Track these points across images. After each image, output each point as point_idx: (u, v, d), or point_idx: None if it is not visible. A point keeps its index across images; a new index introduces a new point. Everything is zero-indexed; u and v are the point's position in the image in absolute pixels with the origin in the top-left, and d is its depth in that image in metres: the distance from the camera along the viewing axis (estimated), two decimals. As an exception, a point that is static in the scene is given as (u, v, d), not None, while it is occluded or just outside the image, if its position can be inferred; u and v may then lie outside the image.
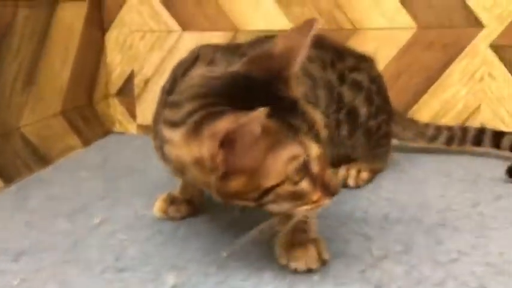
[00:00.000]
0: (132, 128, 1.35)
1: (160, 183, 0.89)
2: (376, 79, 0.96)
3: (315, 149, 0.55)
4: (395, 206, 0.80)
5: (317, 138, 0.56)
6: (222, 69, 0.61)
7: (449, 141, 1.07)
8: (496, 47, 1.14)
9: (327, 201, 0.57)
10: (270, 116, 0.50)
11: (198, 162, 0.54)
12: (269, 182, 0.54)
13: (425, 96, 1.19)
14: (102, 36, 1.29)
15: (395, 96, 1.20)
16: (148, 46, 1.29)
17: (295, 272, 0.61)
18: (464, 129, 1.07)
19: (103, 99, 1.30)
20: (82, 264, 0.63)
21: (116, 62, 1.32)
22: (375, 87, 0.94)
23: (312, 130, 0.56)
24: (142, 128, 1.34)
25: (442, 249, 0.66)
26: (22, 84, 0.98)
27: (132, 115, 1.34)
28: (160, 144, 0.62)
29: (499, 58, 1.14)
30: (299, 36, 0.59)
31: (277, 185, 0.54)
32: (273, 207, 0.57)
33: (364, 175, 0.92)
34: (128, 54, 1.31)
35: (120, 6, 1.28)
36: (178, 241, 0.69)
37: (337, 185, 0.58)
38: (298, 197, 0.56)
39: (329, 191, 0.57)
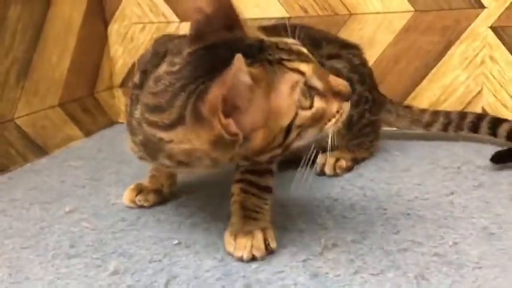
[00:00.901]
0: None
1: (143, 173, 0.91)
2: (358, 67, 0.94)
3: (306, 68, 0.55)
4: (367, 196, 0.79)
5: (302, 57, 0.56)
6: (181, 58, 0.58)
7: (446, 127, 1.03)
8: (497, 29, 1.09)
9: (346, 105, 0.59)
10: (249, 64, 0.50)
11: (216, 142, 0.52)
12: (285, 121, 0.55)
13: (425, 82, 1.16)
14: (105, 29, 1.33)
15: (394, 83, 1.17)
16: (148, 37, 1.32)
17: (241, 260, 0.61)
18: (461, 115, 1.03)
19: (107, 90, 1.34)
20: (39, 250, 0.66)
21: (119, 54, 1.35)
22: (356, 76, 0.92)
23: (292, 53, 0.56)
24: (146, 118, 1.37)
25: (395, 239, 0.64)
26: (16, 78, 1.02)
27: (135, 106, 1.37)
28: (142, 140, 0.62)
29: (500, 40, 1.09)
30: None
31: (294, 119, 0.55)
32: (302, 141, 0.58)
33: (343, 163, 0.90)
34: (130, 46, 1.33)
35: (121, 0, 1.30)
36: (136, 229, 0.70)
37: (345, 85, 0.59)
38: (319, 119, 0.57)
39: (343, 95, 0.58)
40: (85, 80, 1.26)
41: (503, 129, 0.97)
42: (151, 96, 0.57)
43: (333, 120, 0.58)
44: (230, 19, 0.57)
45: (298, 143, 0.57)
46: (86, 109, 1.26)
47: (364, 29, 1.16)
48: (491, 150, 0.94)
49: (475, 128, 1.01)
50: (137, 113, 0.61)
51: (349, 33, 1.15)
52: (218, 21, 0.56)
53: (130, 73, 1.35)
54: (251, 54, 0.53)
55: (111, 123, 1.36)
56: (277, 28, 0.75)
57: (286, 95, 0.54)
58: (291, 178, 0.73)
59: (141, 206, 0.78)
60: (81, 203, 0.81)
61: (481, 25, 1.09)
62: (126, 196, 0.79)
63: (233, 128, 0.51)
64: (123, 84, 1.37)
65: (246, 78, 0.50)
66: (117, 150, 1.11)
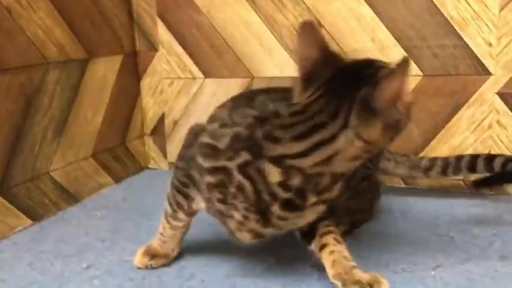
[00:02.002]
0: (164, 165, 1.49)
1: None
2: None
3: None
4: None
5: None
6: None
7: (445, 170, 1.08)
8: (503, 95, 1.12)
9: None
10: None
11: (385, 129, 0.65)
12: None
13: (434, 142, 1.19)
14: (138, 83, 1.44)
15: (404, 144, 1.21)
16: (176, 91, 1.42)
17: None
18: (458, 158, 1.08)
19: (138, 139, 1.45)
20: (54, 307, 0.75)
21: (150, 105, 1.46)
22: None
23: None
24: (172, 165, 1.47)
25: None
26: (52, 134, 1.14)
27: (164, 153, 1.48)
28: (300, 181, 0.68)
29: (507, 105, 1.12)
30: (313, 38, 0.70)
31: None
32: None
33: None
34: (159, 98, 1.45)
35: (152, 57, 1.42)
36: (140, 290, 0.79)
37: None
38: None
39: None
40: (117, 130, 1.38)
41: (497, 163, 1.01)
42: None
43: None
44: (333, 61, 0.69)
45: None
46: (117, 157, 1.37)
47: (376, 90, 1.21)
48: (492, 217, 0.98)
49: (472, 166, 1.05)
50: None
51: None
52: (324, 64, 0.68)
53: (159, 122, 1.46)
54: (373, 71, 0.67)
55: (141, 169, 1.47)
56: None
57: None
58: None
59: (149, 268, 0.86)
60: (98, 258, 0.90)
61: (488, 91, 1.13)
62: (138, 260, 0.86)
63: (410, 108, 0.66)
64: (153, 133, 1.48)
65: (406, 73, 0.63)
66: (141, 199, 1.21)
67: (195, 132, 0.79)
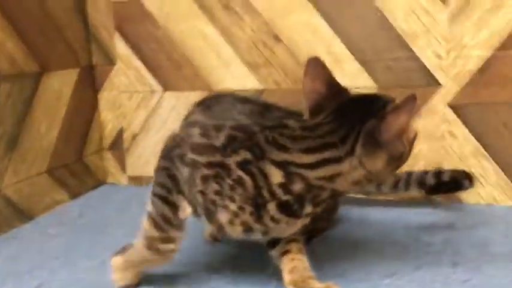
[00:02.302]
0: (123, 180, 1.46)
1: (116, 242, 0.99)
2: None
3: None
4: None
5: None
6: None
7: (396, 183, 1.09)
8: (454, 106, 1.16)
9: None
10: None
11: (389, 161, 0.69)
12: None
13: (389, 153, 1.22)
14: (95, 97, 1.42)
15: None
16: (135, 105, 1.41)
17: None
18: (409, 173, 1.09)
19: (96, 153, 1.43)
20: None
21: (108, 119, 1.44)
22: None
23: None
24: (132, 179, 1.45)
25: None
26: (4, 150, 1.11)
27: (123, 167, 1.46)
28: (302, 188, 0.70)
29: (458, 116, 1.16)
30: (320, 74, 0.75)
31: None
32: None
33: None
34: (118, 112, 1.43)
35: (109, 71, 1.40)
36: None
37: None
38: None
39: None
40: (74, 145, 1.35)
41: (446, 176, 1.06)
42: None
43: None
44: (340, 94, 0.73)
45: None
46: (73, 172, 1.34)
47: (333, 102, 1.23)
48: (444, 224, 1.00)
49: (422, 180, 1.08)
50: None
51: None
52: (331, 97, 0.73)
53: (118, 137, 1.44)
54: (380, 105, 0.71)
55: (99, 184, 1.44)
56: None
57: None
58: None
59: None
60: (51, 277, 0.88)
61: (439, 102, 1.16)
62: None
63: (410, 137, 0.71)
64: (111, 147, 1.46)
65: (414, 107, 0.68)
66: (98, 215, 1.19)
67: (180, 137, 0.78)
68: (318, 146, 0.70)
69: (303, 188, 0.70)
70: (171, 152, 0.79)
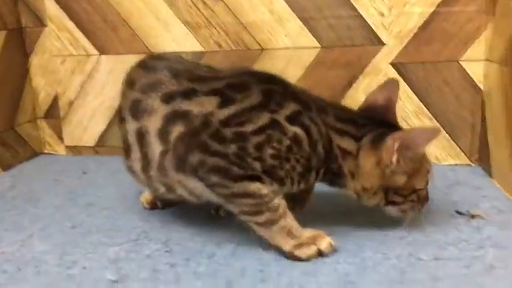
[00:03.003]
0: (61, 150, 1.39)
1: (48, 214, 0.94)
2: None
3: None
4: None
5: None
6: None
7: None
8: (396, 65, 1.14)
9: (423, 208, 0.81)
10: None
11: (375, 166, 0.75)
12: (419, 185, 0.78)
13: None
14: (26, 62, 1.33)
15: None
16: (69, 70, 1.33)
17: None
18: None
19: (29, 122, 1.34)
20: None
21: (41, 86, 1.36)
22: None
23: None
24: (70, 149, 1.38)
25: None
26: None
27: (60, 137, 1.38)
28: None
29: (400, 75, 1.14)
30: (389, 90, 0.84)
31: (421, 189, 0.78)
32: (401, 207, 0.79)
33: None
34: (51, 78, 1.34)
35: (39, 33, 1.31)
36: (14, 283, 0.72)
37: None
38: (421, 201, 0.79)
39: (427, 200, 0.82)
40: (4, 114, 1.27)
41: None
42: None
43: (417, 211, 0.82)
44: (390, 111, 0.82)
45: (400, 207, 0.79)
46: (4, 143, 1.26)
47: (276, 63, 1.20)
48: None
49: None
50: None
51: (263, 67, 1.18)
52: (383, 109, 0.82)
53: (53, 104, 1.36)
54: None
55: (35, 154, 1.37)
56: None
57: (426, 172, 0.78)
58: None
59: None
60: (-27, 250, 0.82)
61: (382, 61, 1.14)
62: None
63: (394, 158, 0.74)
64: (47, 115, 1.38)
65: (421, 146, 0.75)
66: (31, 187, 1.12)
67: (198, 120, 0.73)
68: (348, 118, 0.78)
69: (326, 149, 0.76)
70: (196, 137, 0.72)
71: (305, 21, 1.17)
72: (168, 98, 0.76)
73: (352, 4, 1.13)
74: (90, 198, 1.04)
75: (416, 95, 1.14)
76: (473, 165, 1.14)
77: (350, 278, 0.69)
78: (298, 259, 0.74)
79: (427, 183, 0.80)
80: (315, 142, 0.74)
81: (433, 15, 1.10)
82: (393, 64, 1.14)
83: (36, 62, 1.34)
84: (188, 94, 0.75)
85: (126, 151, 0.81)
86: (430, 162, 0.81)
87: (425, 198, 0.81)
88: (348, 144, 0.76)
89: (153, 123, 0.75)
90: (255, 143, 0.70)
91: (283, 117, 0.71)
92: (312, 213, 0.91)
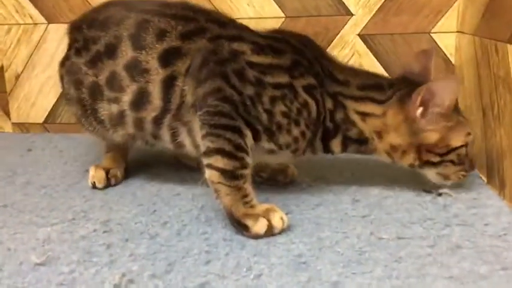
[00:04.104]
0: (7, 127, 1.29)
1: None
2: None
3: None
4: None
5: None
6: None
7: None
8: (364, 36, 1.08)
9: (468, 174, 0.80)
10: None
11: (402, 122, 0.75)
12: (456, 143, 0.76)
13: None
14: (-32, 31, 1.23)
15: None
16: (15, 40, 1.23)
17: None
18: None
19: (-28, 97, 1.24)
20: None
21: (-15, 57, 1.25)
22: None
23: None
24: (18, 125, 1.28)
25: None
26: None
27: (6, 113, 1.28)
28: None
29: (368, 48, 1.08)
30: (425, 59, 0.81)
31: (461, 146, 0.76)
32: (441, 171, 0.78)
33: None
34: (-5, 48, 1.24)
35: (-18, -1, 1.21)
36: None
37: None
38: (461, 163, 0.77)
39: (473, 167, 0.80)
40: None
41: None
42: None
43: (460, 174, 0.80)
44: (426, 80, 0.78)
45: (438, 170, 0.78)
46: None
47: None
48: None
49: None
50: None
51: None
52: (419, 78, 0.79)
53: (-1, 78, 1.26)
54: None
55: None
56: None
57: (465, 132, 0.77)
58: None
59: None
60: None
61: (350, 33, 1.08)
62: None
63: (417, 113, 0.74)
64: (-7, 89, 1.27)
65: (446, 98, 0.74)
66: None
67: (226, 50, 0.74)
68: (371, 85, 0.78)
69: (342, 118, 0.77)
70: (222, 66, 0.72)
71: (267, -11, 1.09)
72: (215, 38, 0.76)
73: (317, -30, 1.05)
74: (30, 177, 0.95)
75: (384, 69, 1.08)
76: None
77: (303, 259, 0.63)
78: (247, 231, 0.68)
79: (466, 144, 0.77)
80: (321, 113, 0.76)
81: (402, -17, 1.03)
82: (361, 35, 1.08)
83: (-21, 31, 1.23)
84: (235, 38, 0.76)
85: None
86: (468, 122, 0.80)
87: (470, 162, 0.79)
88: (367, 107, 0.77)
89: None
90: (271, 94, 0.72)
91: (300, 85, 0.74)
92: (272, 188, 0.84)
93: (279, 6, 1.10)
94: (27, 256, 0.65)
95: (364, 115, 0.77)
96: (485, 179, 0.86)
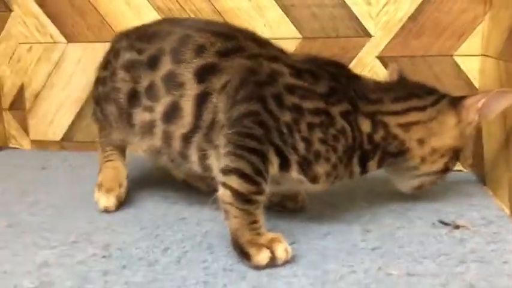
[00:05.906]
0: (26, 144, 1.30)
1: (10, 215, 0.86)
2: None
3: None
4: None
5: None
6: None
7: None
8: (383, 58, 1.04)
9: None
10: None
11: (455, 125, 0.78)
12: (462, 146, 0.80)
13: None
14: (-9, 49, 1.25)
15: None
16: (35, 58, 1.24)
17: None
18: None
19: (-6, 114, 1.26)
20: None
21: (6, 75, 1.27)
22: None
23: None
24: (35, 143, 1.29)
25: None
26: None
27: (25, 130, 1.29)
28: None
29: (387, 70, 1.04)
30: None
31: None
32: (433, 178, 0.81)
33: None
34: (17, 67, 1.26)
35: (6, 19, 1.23)
36: None
37: None
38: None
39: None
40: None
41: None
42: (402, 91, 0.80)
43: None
44: None
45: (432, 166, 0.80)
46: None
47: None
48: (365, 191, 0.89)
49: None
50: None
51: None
52: None
53: (19, 95, 1.27)
54: None
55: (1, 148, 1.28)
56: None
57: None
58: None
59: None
60: None
61: (368, 55, 1.04)
62: None
63: (475, 117, 0.78)
64: (12, 107, 1.29)
65: (501, 107, 0.78)
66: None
67: (265, 71, 0.72)
68: (406, 95, 0.78)
69: (382, 136, 0.75)
70: (260, 89, 0.70)
71: (286, 9, 1.07)
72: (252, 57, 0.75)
73: (336, -9, 1.03)
74: (39, 196, 0.94)
75: (404, 92, 1.04)
76: (465, 170, 1.04)
77: (304, 294, 0.59)
78: (249, 259, 0.65)
79: None
80: (356, 138, 0.74)
81: (423, 4, 1.00)
82: (380, 58, 1.04)
83: (1, 49, 1.25)
84: (273, 58, 0.75)
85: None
86: None
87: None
88: (411, 117, 0.77)
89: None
90: (309, 121, 0.70)
91: (337, 111, 0.72)
92: (277, 215, 0.81)
93: (296, 27, 1.07)
94: (21, 280, 0.63)
95: (407, 125, 0.77)
96: (508, 211, 0.81)
